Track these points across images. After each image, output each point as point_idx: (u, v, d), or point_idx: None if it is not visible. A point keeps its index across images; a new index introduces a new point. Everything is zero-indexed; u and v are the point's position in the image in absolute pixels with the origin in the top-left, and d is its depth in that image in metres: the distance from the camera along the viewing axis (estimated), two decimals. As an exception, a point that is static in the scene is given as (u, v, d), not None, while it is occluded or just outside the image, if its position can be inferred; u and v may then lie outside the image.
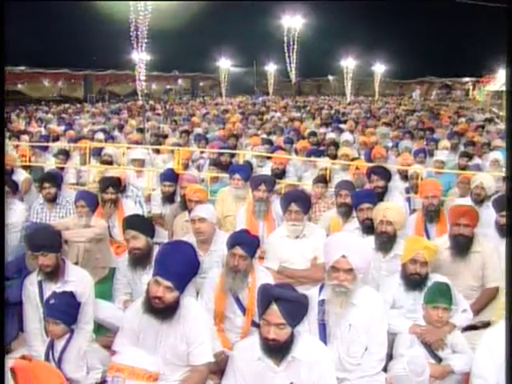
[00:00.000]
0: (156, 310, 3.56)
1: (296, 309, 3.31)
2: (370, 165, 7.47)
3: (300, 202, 5.22)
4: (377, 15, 77.02)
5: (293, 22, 46.14)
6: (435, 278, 4.30)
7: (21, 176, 8.45)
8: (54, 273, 4.32)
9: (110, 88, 58.83)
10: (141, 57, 27.15)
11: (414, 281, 4.31)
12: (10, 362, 2.66)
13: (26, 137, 14.26)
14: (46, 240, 4.32)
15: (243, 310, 4.36)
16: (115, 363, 3.02)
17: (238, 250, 4.30)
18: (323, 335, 3.82)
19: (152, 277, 3.65)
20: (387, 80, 60.70)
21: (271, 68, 57.34)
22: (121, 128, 17.10)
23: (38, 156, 10.66)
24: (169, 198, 7.09)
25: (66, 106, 40.78)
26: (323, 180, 7.19)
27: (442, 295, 3.97)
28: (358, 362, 3.83)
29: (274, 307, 3.24)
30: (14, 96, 50.28)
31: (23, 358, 3.09)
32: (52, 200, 6.72)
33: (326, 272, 3.97)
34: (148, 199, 7.82)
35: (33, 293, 4.35)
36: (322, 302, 3.86)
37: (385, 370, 3.88)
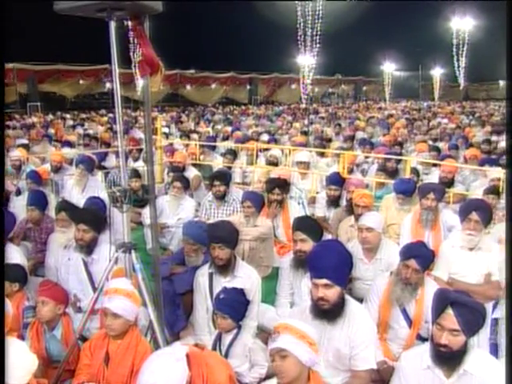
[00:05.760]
0: (324, 311, 3.56)
1: (472, 316, 3.10)
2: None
3: (481, 212, 4.99)
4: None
5: (462, 24, 44.23)
6: None
7: (191, 173, 8.90)
8: (226, 267, 4.49)
9: (274, 97, 59.94)
10: (307, 60, 27.47)
11: None
12: (185, 348, 2.77)
13: (195, 136, 15.02)
14: (227, 234, 4.52)
15: (409, 321, 4.22)
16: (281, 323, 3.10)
17: (413, 263, 4.15)
18: (495, 356, 3.59)
19: (310, 282, 3.68)
20: None
21: (437, 72, 55.44)
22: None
23: (207, 155, 11.18)
24: (334, 202, 7.07)
25: (232, 107, 42.48)
26: (495, 191, 6.78)
27: None
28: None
29: (450, 311, 3.08)
30: (183, 98, 53.30)
31: (196, 345, 3.23)
32: (221, 198, 6.95)
33: (501, 290, 3.75)
34: (312, 202, 7.88)
35: (203, 284, 4.56)
36: (495, 321, 3.65)
37: None
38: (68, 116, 30.40)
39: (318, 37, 25.73)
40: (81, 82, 44.74)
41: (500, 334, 3.62)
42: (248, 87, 59.05)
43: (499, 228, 5.97)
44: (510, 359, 3.01)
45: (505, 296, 3.58)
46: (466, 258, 5.01)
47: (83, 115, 31.61)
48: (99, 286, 3.75)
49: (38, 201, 6.19)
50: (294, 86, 55.45)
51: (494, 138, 14.12)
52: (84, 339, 3.86)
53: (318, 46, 26.39)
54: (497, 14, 51.68)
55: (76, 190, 7.87)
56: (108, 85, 43.70)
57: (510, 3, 3.95)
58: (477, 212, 4.98)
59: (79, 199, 7.02)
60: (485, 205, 5.27)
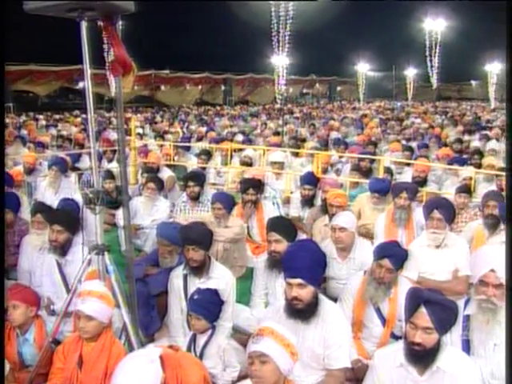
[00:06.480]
0: (298, 311, 3.58)
1: (445, 314, 3.14)
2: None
3: (443, 210, 5.06)
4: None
5: (435, 25, 44.63)
6: None
7: (165, 174, 8.87)
8: (200, 268, 4.48)
9: (249, 98, 59.88)
10: (281, 61, 27.50)
11: None
12: (159, 350, 2.76)
13: (169, 137, 14.96)
14: (201, 236, 4.50)
15: (383, 320, 4.25)
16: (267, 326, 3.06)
17: (387, 263, 4.18)
18: (467, 352, 3.62)
19: (285, 282, 3.70)
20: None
21: (410, 72, 55.90)
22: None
23: (181, 155, 11.15)
24: (308, 202, 7.11)
25: (207, 108, 42.34)
26: (466, 190, 6.86)
27: None
28: (504, 386, 3.59)
29: (423, 310, 3.11)
30: (158, 98, 52.92)
31: (170, 347, 3.22)
32: (195, 198, 6.96)
33: (471, 286, 3.79)
34: (286, 201, 7.90)
35: (177, 285, 4.54)
36: (466, 318, 3.68)
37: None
38: (41, 117, 29.96)
39: (287, 37, 25.77)
40: (53, 82, 44.09)
41: (471, 331, 3.65)
42: (223, 87, 58.87)
43: (471, 226, 6.06)
44: (510, 359, 3.04)
45: (475, 294, 3.62)
46: (433, 256, 5.07)
47: (56, 116, 31.21)
48: (72, 288, 3.71)
49: (11, 203, 6.10)
50: (268, 87, 55.42)
51: (465, 137, 14.32)
52: (57, 342, 3.82)
53: (289, 46, 26.42)
54: (468, 15, 52.42)
55: (49, 191, 7.80)
56: (80, 84, 43.14)
57: (510, 3, 4.00)
58: (438, 210, 5.06)
59: (53, 201, 6.94)
60: (446, 202, 5.36)
